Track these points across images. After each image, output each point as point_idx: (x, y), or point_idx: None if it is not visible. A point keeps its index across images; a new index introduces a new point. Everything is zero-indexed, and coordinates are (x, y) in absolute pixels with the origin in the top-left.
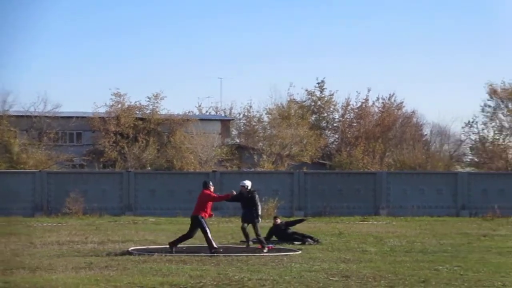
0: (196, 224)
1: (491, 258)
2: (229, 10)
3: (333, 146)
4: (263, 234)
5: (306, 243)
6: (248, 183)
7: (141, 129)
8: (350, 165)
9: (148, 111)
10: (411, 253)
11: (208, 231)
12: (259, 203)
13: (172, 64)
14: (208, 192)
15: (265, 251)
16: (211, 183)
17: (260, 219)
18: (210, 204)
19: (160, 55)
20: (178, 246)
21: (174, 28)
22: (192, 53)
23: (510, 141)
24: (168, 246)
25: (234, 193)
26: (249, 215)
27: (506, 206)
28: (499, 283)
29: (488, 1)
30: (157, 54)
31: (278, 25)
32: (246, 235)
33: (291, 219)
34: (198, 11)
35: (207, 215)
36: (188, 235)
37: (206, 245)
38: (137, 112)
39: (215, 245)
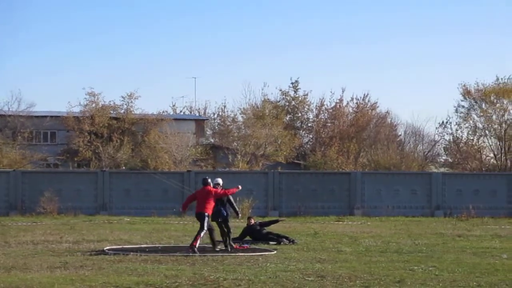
0: (201, 220)
1: (466, 259)
2: (202, 9)
3: (308, 146)
4: (237, 234)
5: (282, 243)
6: (221, 181)
7: (116, 128)
8: (324, 165)
9: (122, 111)
10: (386, 253)
11: (204, 231)
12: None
13: (146, 64)
14: (211, 188)
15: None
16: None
17: (240, 214)
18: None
19: (134, 55)
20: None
21: (148, 28)
22: (166, 52)
23: (484, 142)
24: (212, 247)
25: (240, 187)
26: (221, 213)
27: (480, 207)
28: (474, 283)
29: (462, 4)
30: (131, 54)
31: (251, 24)
32: (222, 233)
33: (266, 219)
34: (172, 11)
35: (211, 212)
36: (212, 231)
37: (182, 244)
38: (112, 112)
39: (197, 246)
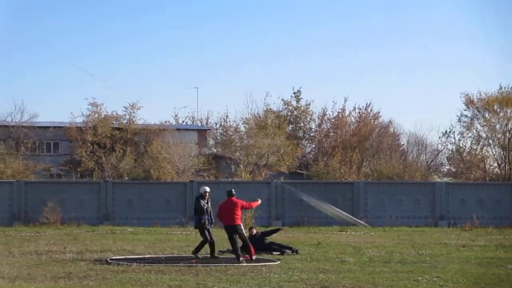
0: (235, 232)
1: (470, 269)
2: (204, 19)
3: (310, 156)
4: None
5: (285, 253)
6: (208, 189)
7: (118, 138)
8: (327, 175)
9: (125, 121)
10: (390, 264)
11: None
12: None
13: (148, 74)
14: (238, 200)
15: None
16: None
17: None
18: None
19: (136, 65)
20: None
21: (149, 38)
22: (168, 63)
23: (487, 151)
24: (237, 259)
25: (260, 201)
26: (197, 221)
27: (484, 216)
28: None
29: (464, 12)
30: (133, 64)
31: (253, 33)
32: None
33: (268, 229)
34: (173, 21)
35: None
36: (236, 244)
37: (185, 254)
38: (114, 122)
39: (254, 256)
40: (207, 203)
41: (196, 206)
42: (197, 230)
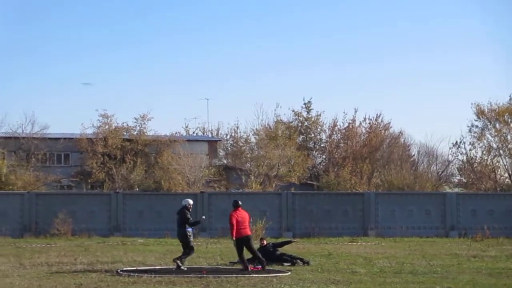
0: (249, 242)
1: (481, 280)
2: (215, 30)
3: (321, 166)
4: (250, 255)
5: (296, 264)
6: (191, 202)
7: (129, 150)
8: (338, 186)
9: (135, 132)
10: (401, 274)
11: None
12: None
13: (158, 85)
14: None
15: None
16: None
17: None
18: None
19: (147, 76)
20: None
21: (160, 49)
22: (179, 73)
23: (498, 162)
24: (262, 269)
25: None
26: (179, 233)
27: (495, 227)
28: None
29: (478, 25)
30: (144, 75)
31: (263, 44)
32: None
33: (279, 240)
34: (183, 32)
35: None
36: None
37: (195, 266)
38: (125, 133)
39: (265, 267)
40: (190, 215)
41: (183, 218)
42: (182, 241)
